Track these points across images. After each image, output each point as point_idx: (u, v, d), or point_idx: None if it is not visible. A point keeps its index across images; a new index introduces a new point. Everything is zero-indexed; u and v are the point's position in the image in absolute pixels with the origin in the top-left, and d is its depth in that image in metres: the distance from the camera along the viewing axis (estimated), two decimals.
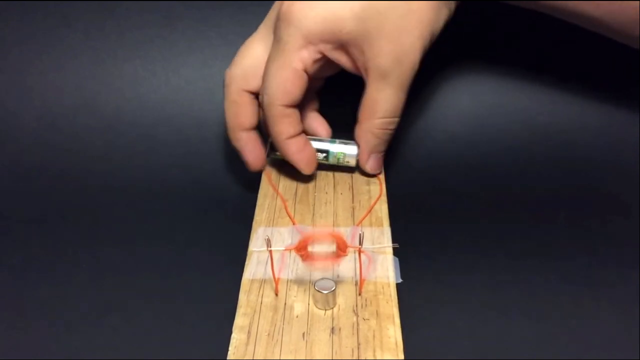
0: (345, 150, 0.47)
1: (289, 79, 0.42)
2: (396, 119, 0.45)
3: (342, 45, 0.42)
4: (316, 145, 0.47)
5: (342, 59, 0.43)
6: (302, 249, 0.35)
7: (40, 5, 0.55)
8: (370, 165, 0.47)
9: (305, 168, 0.46)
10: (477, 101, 0.55)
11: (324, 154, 0.47)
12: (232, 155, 0.53)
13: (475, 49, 0.54)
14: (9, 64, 0.55)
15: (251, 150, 0.47)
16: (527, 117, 0.54)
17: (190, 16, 0.55)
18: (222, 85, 0.46)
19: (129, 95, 0.55)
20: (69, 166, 0.53)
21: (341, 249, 0.35)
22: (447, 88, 0.55)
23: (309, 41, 0.42)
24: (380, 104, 0.43)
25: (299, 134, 0.45)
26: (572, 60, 0.55)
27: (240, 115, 0.46)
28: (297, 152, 0.45)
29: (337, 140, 0.47)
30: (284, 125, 0.44)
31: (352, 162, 0.47)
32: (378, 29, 0.41)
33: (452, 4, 0.43)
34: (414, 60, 0.42)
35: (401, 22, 0.41)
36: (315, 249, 0.37)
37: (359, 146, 0.46)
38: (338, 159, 0.47)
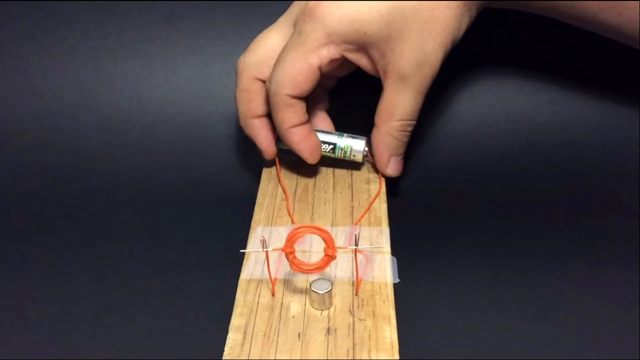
0: (352, 145, 0.46)
1: (301, 73, 0.42)
2: (414, 122, 0.45)
3: (364, 47, 0.42)
4: (323, 137, 0.46)
5: (362, 61, 0.43)
6: (289, 248, 0.35)
7: (40, 5, 0.55)
8: (391, 168, 0.47)
9: (309, 157, 0.45)
10: (477, 101, 0.55)
11: (331, 147, 0.46)
12: (232, 155, 0.53)
13: (475, 48, 0.54)
14: (9, 64, 0.55)
15: (265, 136, 0.47)
16: (527, 117, 0.54)
17: (190, 16, 0.55)
18: (235, 73, 0.46)
19: (129, 95, 0.55)
20: (69, 166, 0.53)
21: (330, 247, 0.35)
22: (447, 88, 0.55)
23: (331, 40, 0.42)
24: (399, 107, 0.43)
25: (303, 123, 0.45)
26: (572, 60, 0.55)
27: (251, 102, 0.46)
28: (300, 140, 0.45)
29: (345, 134, 0.47)
30: (288, 114, 0.44)
31: (359, 158, 0.47)
32: (402, 33, 0.41)
33: (474, 13, 0.43)
34: (435, 66, 0.42)
35: (425, 27, 0.41)
36: (303, 247, 0.37)
37: (367, 142, 0.46)
38: (345, 152, 0.46)
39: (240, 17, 0.55)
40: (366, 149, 0.47)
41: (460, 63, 0.55)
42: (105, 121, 0.55)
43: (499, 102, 0.55)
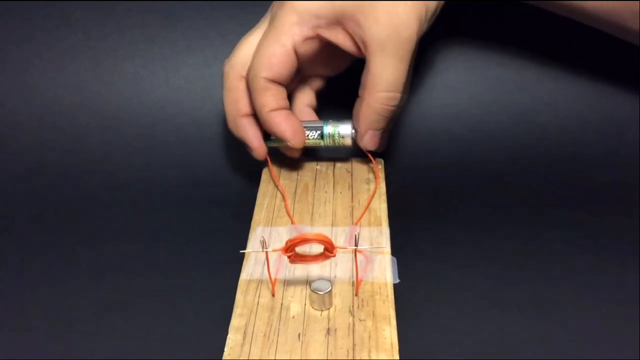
0: (339, 130, 0.46)
1: (275, 54, 0.43)
2: (397, 95, 0.44)
3: (337, 21, 0.42)
4: (308, 125, 0.46)
5: (338, 37, 0.43)
6: (289, 251, 0.35)
7: (40, 5, 0.55)
8: (366, 141, 0.46)
9: (293, 137, 0.45)
10: (477, 100, 0.55)
11: (318, 133, 0.46)
12: (232, 155, 0.53)
13: (475, 48, 0.54)
14: (9, 64, 0.55)
15: (254, 134, 0.46)
16: (527, 116, 0.54)
17: (190, 16, 0.55)
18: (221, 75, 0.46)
19: (129, 95, 0.55)
20: (69, 166, 0.53)
21: (329, 250, 0.35)
22: (446, 87, 0.55)
23: (302, 18, 0.42)
24: (380, 77, 0.43)
25: (284, 108, 0.45)
26: (572, 58, 0.55)
27: (239, 101, 0.46)
28: (282, 121, 0.44)
29: (330, 121, 0.47)
30: (267, 98, 0.44)
31: (348, 142, 0.46)
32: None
33: None
34: (411, 31, 0.42)
35: None
36: (303, 249, 0.37)
37: (353, 125, 0.46)
38: (333, 137, 0.46)
39: (240, 17, 0.55)
40: (353, 131, 0.46)
41: (460, 63, 0.55)
42: (105, 121, 0.55)
43: (499, 102, 0.55)
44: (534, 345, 0.37)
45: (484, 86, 0.55)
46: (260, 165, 0.50)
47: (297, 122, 0.45)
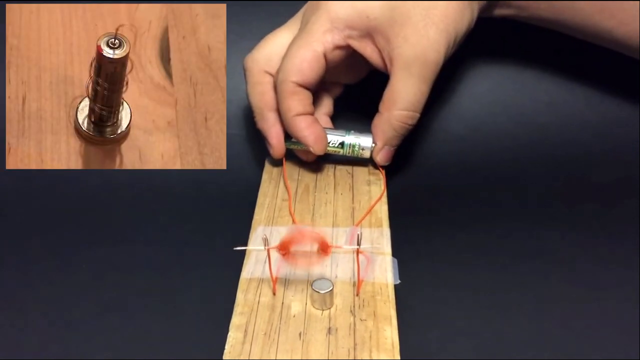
0: (360, 142, 0.47)
1: (306, 59, 0.43)
2: (416, 114, 0.45)
3: (368, 34, 0.43)
4: (330, 133, 0.47)
5: (367, 49, 0.44)
6: (284, 249, 0.35)
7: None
8: (381, 156, 0.47)
9: (314, 144, 0.45)
10: (477, 101, 0.55)
11: (339, 142, 0.47)
12: (232, 154, 0.53)
13: (475, 48, 0.54)
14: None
15: (276, 133, 0.47)
16: (527, 117, 0.54)
17: None
18: (243, 70, 0.46)
19: None
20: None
21: (323, 249, 0.35)
22: (447, 88, 0.55)
23: (335, 26, 0.43)
24: (402, 96, 0.44)
25: (309, 113, 0.45)
26: (572, 59, 0.55)
27: (266, 94, 0.46)
28: (305, 127, 0.45)
29: (352, 131, 0.47)
30: (294, 102, 0.44)
31: (367, 154, 0.47)
32: (405, 18, 0.41)
33: (475, 13, 0.44)
34: (438, 54, 0.42)
35: (428, 13, 0.42)
36: (298, 248, 0.37)
37: (373, 138, 0.46)
38: (353, 148, 0.47)
39: (241, 17, 0.55)
40: (373, 145, 0.47)
41: (461, 63, 0.55)
42: None
43: (499, 102, 0.55)
44: (534, 345, 0.37)
45: (485, 86, 0.55)
46: (261, 164, 0.50)
47: (321, 129, 0.46)
